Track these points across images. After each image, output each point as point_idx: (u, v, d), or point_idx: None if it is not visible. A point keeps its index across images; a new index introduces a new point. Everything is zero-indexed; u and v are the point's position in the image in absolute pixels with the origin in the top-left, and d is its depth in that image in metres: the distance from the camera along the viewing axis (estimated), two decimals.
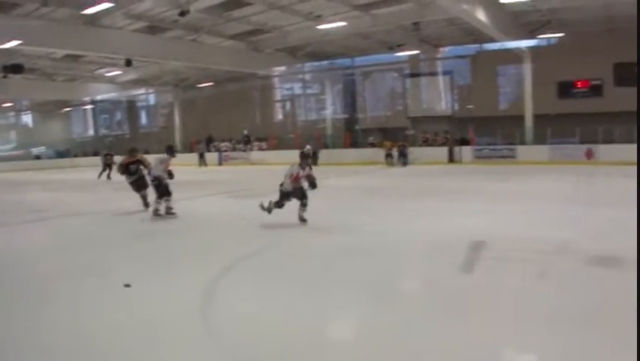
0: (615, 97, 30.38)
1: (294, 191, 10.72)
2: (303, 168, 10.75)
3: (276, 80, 42.49)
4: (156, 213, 12.47)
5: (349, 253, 8.21)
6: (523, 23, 27.72)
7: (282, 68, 38.14)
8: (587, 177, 20.82)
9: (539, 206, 13.09)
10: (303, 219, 10.67)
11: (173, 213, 12.49)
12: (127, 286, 6.22)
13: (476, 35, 29.17)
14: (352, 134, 37.57)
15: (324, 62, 37.67)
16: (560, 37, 29.72)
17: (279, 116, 44.22)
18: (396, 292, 6.48)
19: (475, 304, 5.73)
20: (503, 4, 23.45)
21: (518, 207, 12.91)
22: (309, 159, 11.39)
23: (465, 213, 12.00)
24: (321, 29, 27.31)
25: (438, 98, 35.09)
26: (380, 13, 26.06)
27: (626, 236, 8.58)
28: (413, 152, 31.30)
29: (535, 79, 30.55)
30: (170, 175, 12.61)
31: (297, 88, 43.28)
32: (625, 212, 11.26)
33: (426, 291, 6.55)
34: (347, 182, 22.01)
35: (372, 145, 34.26)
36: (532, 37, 29.20)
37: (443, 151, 31.73)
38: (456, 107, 35.19)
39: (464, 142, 32.41)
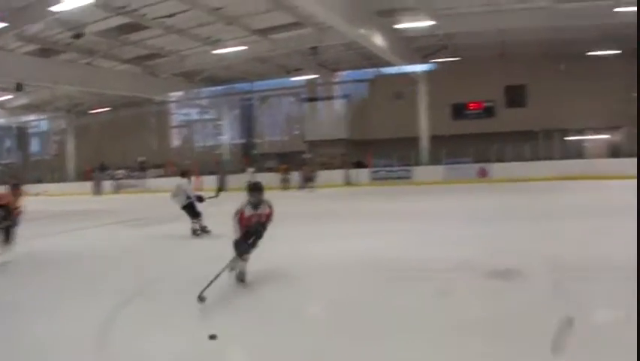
0: (506, 118, 32.65)
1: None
2: (255, 207, 7.39)
3: (172, 105, 42.04)
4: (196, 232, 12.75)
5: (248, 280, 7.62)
6: (419, 47, 28.90)
7: (179, 93, 37.82)
8: (481, 195, 21.69)
9: (436, 225, 13.34)
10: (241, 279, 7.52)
11: (208, 231, 12.77)
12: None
13: (373, 60, 30.23)
14: (250, 159, 37.90)
15: (222, 87, 37.73)
16: (454, 61, 31.27)
17: (176, 142, 43.76)
18: (296, 317, 6.24)
19: (377, 324, 5.74)
20: (400, 29, 24.37)
21: (415, 226, 13.08)
22: (261, 192, 7.47)
23: (362, 234, 11.87)
24: (218, 54, 27.35)
25: (335, 121, 35.65)
26: (279, 38, 26.45)
27: (521, 250, 9.37)
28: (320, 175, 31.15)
29: (430, 101, 31.65)
30: (200, 199, 12.90)
31: (195, 113, 43.14)
32: (518, 227, 12.31)
33: (330, 314, 6.47)
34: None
35: (270, 170, 34.54)
36: (428, 61, 30.65)
37: (340, 174, 32.12)
38: (353, 131, 35.88)
39: (361, 165, 33.05)
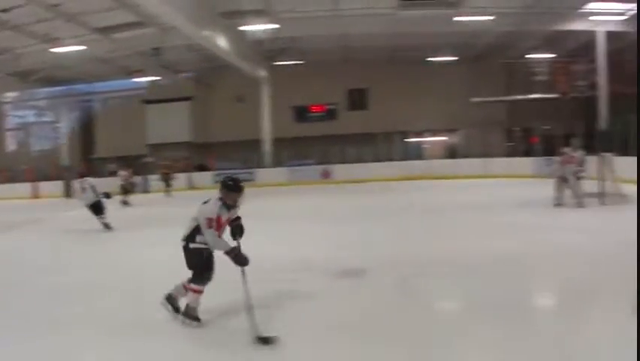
0: (348, 120, 33.74)
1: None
2: (229, 208, 6.07)
3: (7, 106, 39.00)
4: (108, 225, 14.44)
5: (87, 290, 7.79)
6: (263, 50, 29.20)
7: (14, 94, 35.57)
8: (324, 196, 22.35)
9: (280, 226, 13.82)
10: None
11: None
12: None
13: (217, 61, 30.21)
14: (89, 163, 36.44)
15: (61, 88, 35.50)
16: (297, 64, 31.70)
17: (12, 147, 40.72)
18: (139, 324, 6.19)
19: (223, 329, 5.88)
20: (244, 31, 24.60)
21: (259, 228, 12.89)
22: (239, 193, 6.09)
23: None
24: (57, 52, 25.68)
25: (178, 124, 35.05)
26: (120, 38, 25.55)
27: (365, 249, 9.97)
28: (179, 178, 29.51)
29: (273, 104, 31.93)
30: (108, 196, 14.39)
31: (31, 115, 40.16)
32: (362, 226, 12.93)
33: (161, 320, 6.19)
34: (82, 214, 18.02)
35: (112, 174, 33.27)
36: (271, 63, 31.03)
37: (183, 178, 30.71)
38: (196, 134, 35.60)
39: (203, 168, 32.85)
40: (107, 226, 14.20)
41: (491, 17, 24.42)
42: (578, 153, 15.19)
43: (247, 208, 15.94)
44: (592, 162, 15.38)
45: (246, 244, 9.70)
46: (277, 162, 31.58)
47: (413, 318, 6.01)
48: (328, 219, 14.95)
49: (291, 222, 14.64)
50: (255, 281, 7.31)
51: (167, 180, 27.00)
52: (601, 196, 14.78)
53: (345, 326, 5.77)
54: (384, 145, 31.80)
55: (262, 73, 30.76)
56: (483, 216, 14.16)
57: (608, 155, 15.61)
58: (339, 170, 29.93)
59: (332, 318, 6.05)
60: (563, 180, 14.99)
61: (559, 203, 14.88)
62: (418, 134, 33.76)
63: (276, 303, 6.66)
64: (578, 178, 14.80)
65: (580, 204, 14.50)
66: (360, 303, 6.69)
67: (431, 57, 31.57)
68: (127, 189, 23.70)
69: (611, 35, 26.83)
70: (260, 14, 23.49)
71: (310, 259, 9.06)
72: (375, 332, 5.55)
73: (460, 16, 23.97)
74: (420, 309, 6.42)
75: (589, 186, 15.02)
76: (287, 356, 5.06)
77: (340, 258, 9.20)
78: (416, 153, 33.51)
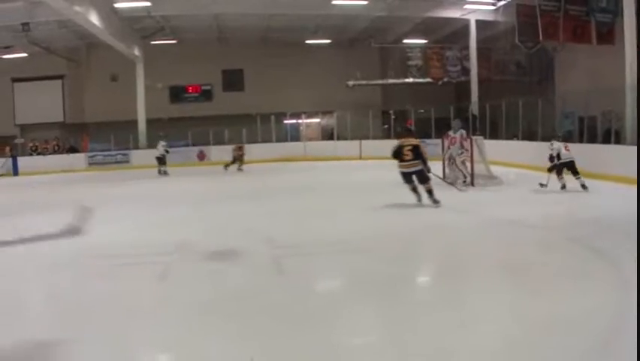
0: (224, 101, 34.72)
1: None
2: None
3: None
4: None
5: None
6: (138, 28, 29.83)
7: None
8: (200, 178, 23.02)
9: (156, 208, 14.06)
10: None
11: None
12: None
13: (90, 39, 30.42)
14: None
15: None
16: (173, 43, 32.78)
17: None
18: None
19: (104, 311, 5.92)
20: (117, 8, 25.23)
21: (135, 211, 13.66)
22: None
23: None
24: None
25: (49, 104, 34.71)
26: None
27: (241, 230, 10.30)
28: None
29: (148, 84, 32.31)
30: None
31: None
32: (237, 207, 13.67)
33: (52, 305, 6.40)
34: None
35: None
36: (147, 42, 31.66)
37: (55, 160, 31.07)
38: (69, 114, 35.49)
39: (73, 150, 33.09)
40: None
41: (365, 2, 25.99)
42: (458, 135, 16.89)
43: (121, 192, 16.52)
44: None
45: (120, 228, 10.72)
46: (153, 144, 31.55)
47: (287, 296, 6.32)
48: (203, 200, 15.44)
49: (166, 205, 14.81)
50: (127, 265, 7.97)
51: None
52: (471, 177, 16.05)
53: (218, 306, 6.04)
54: (261, 127, 32.95)
55: (137, 52, 31.15)
56: (359, 197, 15.15)
57: (479, 138, 17.33)
58: (216, 151, 30.74)
59: (205, 299, 6.26)
60: (450, 161, 16.76)
61: (450, 182, 16.44)
62: (295, 115, 35.16)
63: (149, 286, 6.92)
64: (462, 160, 16.52)
65: (466, 184, 16.08)
66: (234, 283, 6.93)
67: (308, 39, 33.05)
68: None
69: (481, 24, 29.02)
70: None
71: (184, 242, 9.28)
72: (250, 310, 5.79)
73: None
74: (294, 287, 6.71)
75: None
76: (165, 337, 5.25)
77: (215, 240, 9.56)
78: (293, 135, 35.13)
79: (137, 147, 32.11)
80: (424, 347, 4.81)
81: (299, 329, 5.27)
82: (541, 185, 14.69)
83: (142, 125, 32.34)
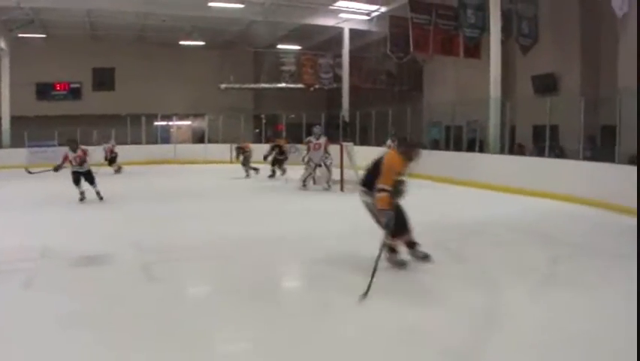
0: (94, 100, 34.05)
1: None
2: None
3: None
4: None
5: None
6: (4, 20, 28.58)
7: None
8: (65, 180, 22.03)
9: (17, 212, 13.34)
10: None
11: None
12: None
13: None
14: None
15: None
16: (41, 37, 31.64)
17: None
18: None
19: None
20: None
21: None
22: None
23: None
24: None
25: None
26: None
27: (106, 235, 10.17)
28: None
29: (13, 79, 30.70)
30: None
31: None
32: (102, 212, 13.51)
33: None
34: None
35: None
36: (14, 35, 30.41)
37: None
38: None
39: None
40: None
41: (241, 5, 26.27)
42: (322, 140, 17.53)
43: None
44: (333, 150, 17.59)
45: None
46: (17, 143, 30.51)
47: (157, 302, 6.35)
48: (67, 204, 14.80)
49: (25, 208, 14.14)
50: None
51: None
52: (341, 183, 16.80)
53: (85, 313, 5.94)
54: (131, 128, 32.46)
55: (2, 44, 29.88)
56: (226, 201, 15.50)
57: (349, 144, 17.94)
58: None
59: (72, 306, 6.16)
60: (309, 166, 17.49)
61: (304, 185, 17.15)
62: (166, 117, 34.84)
63: (13, 293, 6.68)
64: (326, 164, 17.25)
65: (328, 188, 17.04)
66: (102, 289, 6.85)
67: (182, 40, 32.95)
68: None
69: (354, 33, 29.96)
70: None
71: (47, 248, 9.03)
72: (117, 318, 5.79)
73: (212, 1, 25.56)
74: (163, 293, 6.73)
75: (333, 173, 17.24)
76: (26, 350, 4.99)
77: (80, 245, 9.31)
78: (163, 137, 34.75)
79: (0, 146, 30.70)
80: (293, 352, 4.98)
81: (167, 337, 5.26)
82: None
83: (6, 123, 30.79)
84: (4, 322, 5.67)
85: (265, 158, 21.25)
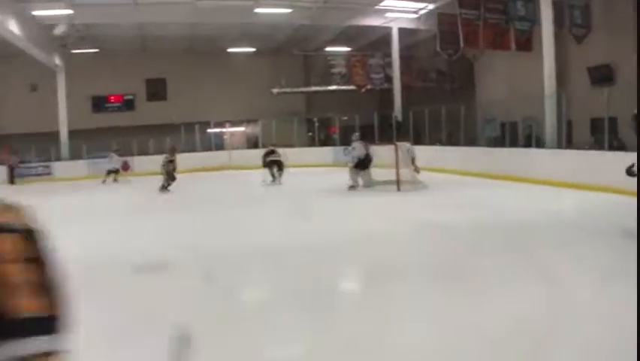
0: (147, 111, 34.42)
1: None
2: None
3: None
4: None
5: None
6: (58, 37, 29.09)
7: None
8: (126, 189, 22.58)
9: (81, 222, 13.47)
10: None
11: None
12: None
13: (8, 48, 29.57)
14: None
15: None
16: (94, 52, 32.21)
17: None
18: None
19: None
20: (37, 16, 24.60)
21: (59, 225, 13.34)
22: None
23: None
24: None
25: None
26: None
27: (170, 242, 10.19)
28: None
29: (69, 94, 31.62)
30: None
31: None
32: (165, 219, 13.63)
33: None
34: None
35: None
36: (68, 51, 31.05)
37: None
38: None
39: None
40: None
41: (288, 10, 26.21)
42: (355, 145, 17.68)
43: (42, 206, 15.93)
44: (386, 150, 17.39)
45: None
46: (75, 155, 31.40)
47: (218, 309, 6.36)
48: (130, 212, 15.29)
49: (91, 218, 14.47)
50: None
51: None
52: (397, 183, 16.62)
53: (151, 319, 5.98)
54: (185, 136, 32.71)
55: (57, 61, 30.51)
56: (284, 205, 15.34)
57: (403, 144, 17.76)
58: (140, 162, 30.30)
59: (139, 311, 6.25)
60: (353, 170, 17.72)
61: (352, 186, 17.14)
62: (219, 125, 35.08)
63: (75, 300, 6.95)
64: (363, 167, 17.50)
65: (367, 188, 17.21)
66: (166, 295, 6.91)
67: (231, 48, 33.12)
68: None
69: (403, 32, 29.63)
70: None
71: (116, 255, 9.25)
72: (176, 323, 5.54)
73: (259, 8, 25.58)
74: (224, 299, 6.75)
75: (388, 173, 16.96)
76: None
77: (140, 251, 9.52)
78: (217, 144, 35.10)
79: (59, 159, 31.37)
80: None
81: (226, 347, 5.18)
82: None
83: (64, 137, 31.71)
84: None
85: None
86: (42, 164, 30.83)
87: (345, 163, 19.34)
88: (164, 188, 19.77)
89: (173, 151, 20.91)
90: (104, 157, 29.05)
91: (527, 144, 21.24)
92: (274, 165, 21.71)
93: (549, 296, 6.13)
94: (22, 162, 29.49)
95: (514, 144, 22.12)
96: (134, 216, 14.54)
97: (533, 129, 21.41)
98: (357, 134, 18.88)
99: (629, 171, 9.27)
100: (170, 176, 19.94)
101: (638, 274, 5.11)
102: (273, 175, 21.72)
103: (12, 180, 28.59)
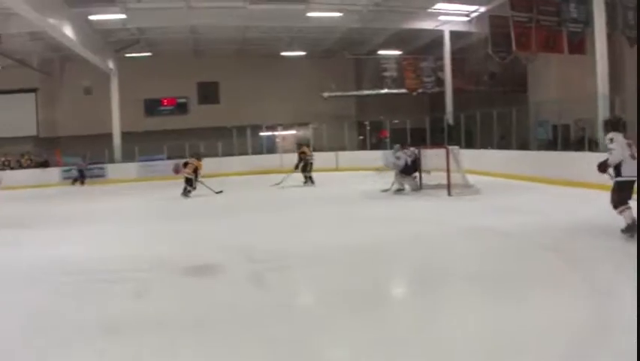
0: (199, 114, 34.79)
1: None
2: None
3: None
4: None
5: None
6: (112, 41, 29.81)
7: None
8: (176, 192, 22.37)
9: (132, 224, 13.93)
10: None
11: None
12: None
13: (63, 51, 30.27)
14: None
15: None
16: (147, 56, 32.80)
17: None
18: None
19: (72, 331, 5.74)
20: (92, 20, 25.05)
21: (112, 227, 13.45)
22: None
23: (62, 240, 11.51)
24: None
25: (21, 117, 34.41)
26: None
27: (217, 244, 10.22)
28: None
29: (122, 97, 31.88)
30: None
31: None
32: (213, 222, 13.67)
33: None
34: None
35: None
36: (121, 55, 31.55)
37: (30, 174, 29.95)
38: (42, 127, 35.30)
39: (45, 164, 31.78)
40: None
41: (340, 14, 26.22)
42: (398, 153, 17.69)
43: (97, 207, 16.16)
44: (437, 155, 17.16)
45: (96, 245, 10.75)
46: (128, 158, 31.65)
47: (269, 312, 6.25)
48: (178, 215, 15.48)
49: (140, 219, 14.91)
50: (107, 282, 7.77)
51: None
52: (448, 187, 16.30)
53: (202, 323, 5.92)
54: (236, 139, 32.96)
55: (111, 64, 30.98)
56: (336, 208, 15.30)
57: (455, 148, 17.56)
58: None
59: (187, 316, 6.18)
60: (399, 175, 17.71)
61: (399, 189, 17.13)
62: (271, 128, 35.25)
63: (134, 302, 6.84)
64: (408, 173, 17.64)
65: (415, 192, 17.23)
66: (216, 299, 6.87)
67: (282, 51, 33.31)
68: None
69: (455, 34, 29.38)
70: (108, 4, 24.10)
71: (164, 258, 9.19)
72: (233, 329, 5.73)
73: (310, 11, 25.68)
74: (276, 303, 6.61)
75: (439, 177, 16.74)
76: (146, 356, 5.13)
77: (189, 254, 9.51)
78: (269, 147, 35.33)
79: (112, 161, 31.68)
80: None
81: (279, 349, 5.16)
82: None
83: (117, 139, 31.91)
84: (115, 331, 5.72)
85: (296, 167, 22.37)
86: (97, 166, 31.25)
87: (386, 167, 19.20)
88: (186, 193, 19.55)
89: (197, 157, 20.91)
90: (156, 160, 29.60)
91: (580, 147, 20.84)
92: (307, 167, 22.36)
93: (598, 305, 5.92)
94: (90, 164, 30.22)
95: (566, 146, 21.72)
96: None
97: (586, 132, 21.00)
98: (397, 145, 18.72)
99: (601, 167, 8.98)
100: (189, 182, 19.81)
101: (638, 275, 5.15)
102: (306, 178, 22.30)
103: (82, 181, 29.37)
